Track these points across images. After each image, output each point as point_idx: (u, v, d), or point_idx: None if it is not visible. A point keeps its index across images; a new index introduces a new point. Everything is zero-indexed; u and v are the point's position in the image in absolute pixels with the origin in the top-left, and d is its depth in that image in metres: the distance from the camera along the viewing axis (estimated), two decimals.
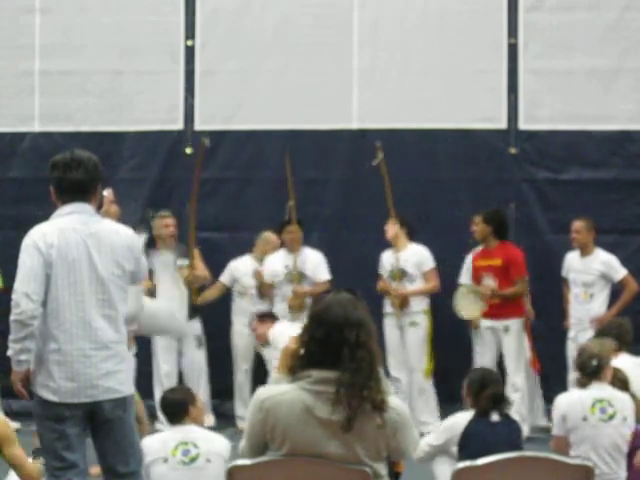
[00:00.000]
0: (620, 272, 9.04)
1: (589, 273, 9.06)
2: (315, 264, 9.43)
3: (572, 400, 6.05)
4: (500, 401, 6.12)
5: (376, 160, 9.29)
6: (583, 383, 6.06)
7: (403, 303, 9.25)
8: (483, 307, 9.13)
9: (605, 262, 9.06)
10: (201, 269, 9.29)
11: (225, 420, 9.42)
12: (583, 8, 9.83)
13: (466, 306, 9.20)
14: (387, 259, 9.43)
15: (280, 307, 9.36)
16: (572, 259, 9.22)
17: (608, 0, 9.83)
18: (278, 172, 9.81)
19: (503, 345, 9.22)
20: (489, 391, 6.10)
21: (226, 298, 9.63)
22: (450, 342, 9.46)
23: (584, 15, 9.82)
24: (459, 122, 9.87)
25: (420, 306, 9.37)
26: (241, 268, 9.55)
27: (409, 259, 9.34)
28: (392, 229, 9.32)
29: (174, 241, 9.29)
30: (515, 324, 9.21)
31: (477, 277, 9.30)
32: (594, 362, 6.05)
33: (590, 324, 8.95)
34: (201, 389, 9.21)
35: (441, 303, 9.35)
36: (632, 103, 9.75)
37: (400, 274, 9.31)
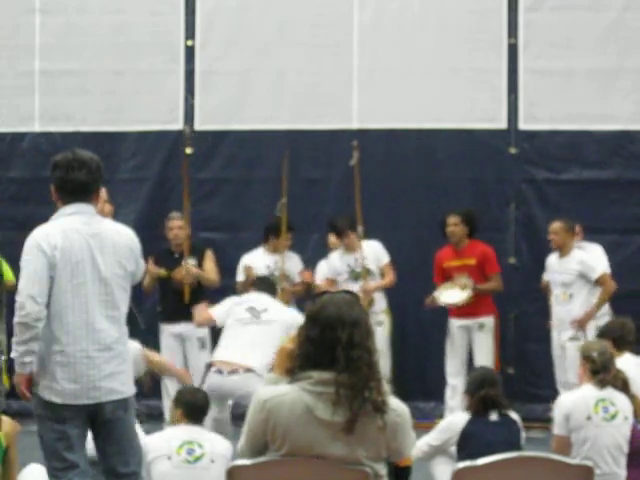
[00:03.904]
0: (597, 271, 9.03)
1: (567, 273, 9.09)
2: (295, 264, 9.53)
3: (576, 399, 6.05)
4: (493, 403, 6.12)
5: (352, 160, 9.27)
6: (606, 382, 6.05)
7: (371, 303, 9.24)
8: (469, 296, 9.13)
9: (582, 261, 9.07)
10: (210, 271, 9.29)
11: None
12: (583, 8, 9.83)
13: (450, 294, 9.19)
14: (339, 261, 9.41)
15: None
16: (551, 260, 9.26)
17: (608, 0, 9.84)
18: (278, 172, 9.80)
19: (475, 343, 9.26)
20: (482, 392, 6.12)
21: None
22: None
23: (584, 15, 9.83)
24: (459, 122, 9.88)
25: (382, 305, 9.41)
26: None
27: (368, 256, 9.34)
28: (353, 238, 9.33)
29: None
30: (489, 322, 9.28)
31: (447, 278, 9.31)
32: (614, 362, 6.10)
33: (571, 325, 8.99)
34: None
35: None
36: (632, 103, 9.75)
37: (365, 273, 9.31)
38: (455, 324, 9.32)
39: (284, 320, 7.69)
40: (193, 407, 6.10)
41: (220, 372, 7.59)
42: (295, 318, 7.43)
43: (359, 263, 9.30)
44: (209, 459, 5.82)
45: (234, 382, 7.53)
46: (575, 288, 9.06)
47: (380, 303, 9.40)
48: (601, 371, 6.06)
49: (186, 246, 9.21)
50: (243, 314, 7.82)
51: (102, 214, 5.83)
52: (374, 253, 9.40)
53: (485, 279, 9.28)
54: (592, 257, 9.12)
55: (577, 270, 9.04)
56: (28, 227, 5.21)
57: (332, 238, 9.58)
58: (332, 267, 9.44)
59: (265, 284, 8.35)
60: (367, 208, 9.46)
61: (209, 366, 7.74)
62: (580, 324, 8.99)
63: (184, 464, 5.79)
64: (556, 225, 9.17)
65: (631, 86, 9.76)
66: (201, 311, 8.25)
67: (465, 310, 9.21)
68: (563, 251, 9.14)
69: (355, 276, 9.33)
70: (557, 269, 9.16)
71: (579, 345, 8.82)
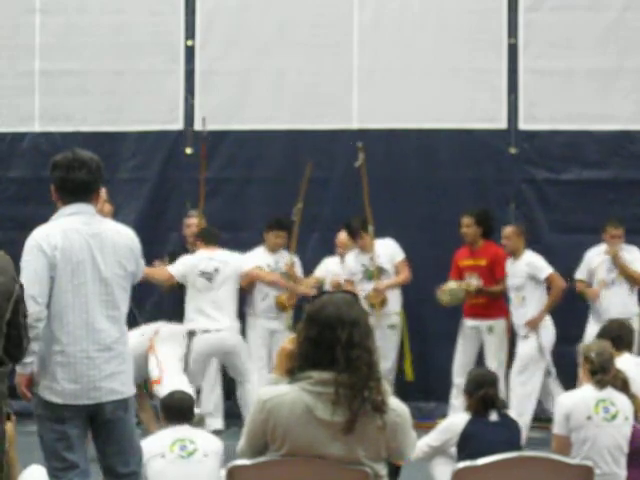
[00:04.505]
0: (545, 271, 9.02)
1: (518, 276, 9.09)
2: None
3: (576, 399, 6.04)
4: (491, 403, 6.12)
5: (358, 162, 9.28)
6: (605, 382, 6.04)
7: (384, 302, 9.22)
8: (462, 299, 9.19)
9: (529, 262, 9.06)
10: None
11: (231, 419, 9.29)
12: (583, 8, 9.83)
13: (450, 295, 9.22)
14: (354, 261, 9.40)
15: (261, 305, 9.41)
16: (508, 266, 9.25)
17: (608, 0, 9.84)
18: (278, 172, 9.83)
19: (485, 345, 9.26)
20: (481, 392, 6.13)
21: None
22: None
23: (584, 15, 9.83)
24: (459, 122, 9.87)
25: (396, 307, 9.39)
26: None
27: (381, 254, 9.35)
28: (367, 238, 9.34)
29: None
30: (499, 324, 9.28)
31: (460, 276, 9.32)
32: (613, 362, 6.09)
33: (525, 327, 8.97)
34: (213, 392, 9.17)
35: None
36: (632, 103, 9.75)
37: (378, 272, 9.30)
38: (467, 324, 9.32)
39: (234, 274, 8.80)
40: (170, 409, 6.13)
41: (208, 331, 8.61)
42: (241, 262, 8.88)
43: (373, 263, 9.30)
44: (202, 453, 5.84)
45: (222, 335, 8.65)
46: (527, 291, 9.04)
47: (394, 304, 9.36)
48: (599, 371, 6.06)
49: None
50: (198, 281, 8.69)
51: (102, 214, 5.83)
52: (389, 251, 9.39)
53: (495, 281, 9.26)
54: (540, 258, 9.09)
55: (526, 272, 9.04)
56: (28, 227, 5.21)
57: (341, 237, 9.57)
58: (347, 268, 9.43)
59: (211, 235, 8.98)
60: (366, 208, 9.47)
61: (192, 333, 8.55)
62: (531, 325, 8.96)
63: (178, 460, 5.81)
64: (508, 230, 9.18)
65: (631, 86, 9.76)
66: (160, 270, 8.86)
67: (477, 311, 9.21)
68: (516, 255, 9.13)
69: (369, 275, 9.32)
70: (510, 273, 9.16)
71: (536, 345, 8.90)
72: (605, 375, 6.04)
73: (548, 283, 9.05)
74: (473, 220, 9.30)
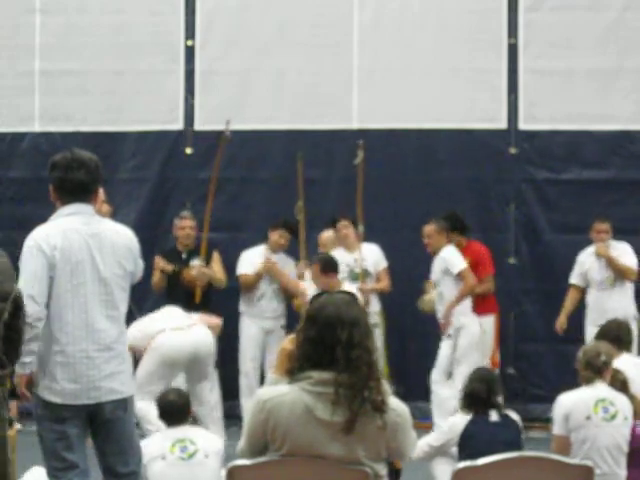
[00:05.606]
0: (457, 266, 8.87)
1: (435, 271, 9.01)
2: (290, 265, 9.56)
3: (575, 399, 6.04)
4: (490, 401, 6.13)
5: (357, 159, 9.28)
6: (589, 379, 6.04)
7: (367, 303, 9.24)
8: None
9: (443, 257, 8.93)
10: (218, 272, 9.31)
11: (231, 419, 9.28)
12: (583, 8, 9.83)
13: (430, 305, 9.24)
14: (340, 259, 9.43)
15: (258, 305, 9.44)
16: None
17: (608, 0, 9.84)
18: (278, 172, 9.83)
19: None
20: (468, 389, 6.15)
21: (232, 297, 9.58)
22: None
23: (584, 15, 9.83)
24: (459, 122, 9.88)
25: (376, 307, 9.41)
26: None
27: (367, 258, 9.37)
28: (350, 230, 9.34)
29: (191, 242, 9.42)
30: (488, 322, 9.22)
31: None
32: (602, 358, 6.06)
33: (440, 322, 8.92)
34: (212, 392, 9.15)
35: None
36: (632, 103, 9.75)
37: (363, 274, 9.31)
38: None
39: None
40: (165, 411, 6.14)
41: None
42: None
43: (358, 264, 9.31)
44: (203, 454, 5.84)
45: None
46: (443, 286, 8.95)
47: (374, 305, 9.39)
48: (585, 368, 6.07)
49: (203, 247, 9.24)
50: None
51: (100, 214, 5.83)
52: (373, 257, 9.42)
53: (478, 279, 9.22)
54: (456, 253, 8.96)
55: (440, 266, 8.95)
56: (28, 227, 5.21)
57: (323, 238, 9.57)
58: None
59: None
60: (367, 208, 9.47)
61: None
62: (444, 326, 8.93)
63: (179, 462, 5.81)
64: (428, 228, 9.05)
65: (631, 86, 9.76)
66: None
67: None
68: (437, 252, 9.03)
69: (354, 276, 9.33)
70: (433, 269, 9.09)
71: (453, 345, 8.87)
72: (590, 372, 6.04)
73: (460, 279, 8.90)
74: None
